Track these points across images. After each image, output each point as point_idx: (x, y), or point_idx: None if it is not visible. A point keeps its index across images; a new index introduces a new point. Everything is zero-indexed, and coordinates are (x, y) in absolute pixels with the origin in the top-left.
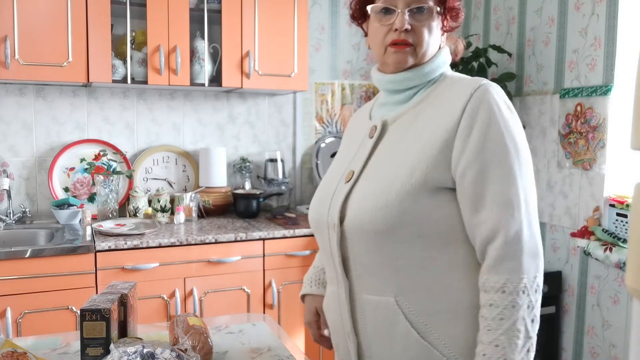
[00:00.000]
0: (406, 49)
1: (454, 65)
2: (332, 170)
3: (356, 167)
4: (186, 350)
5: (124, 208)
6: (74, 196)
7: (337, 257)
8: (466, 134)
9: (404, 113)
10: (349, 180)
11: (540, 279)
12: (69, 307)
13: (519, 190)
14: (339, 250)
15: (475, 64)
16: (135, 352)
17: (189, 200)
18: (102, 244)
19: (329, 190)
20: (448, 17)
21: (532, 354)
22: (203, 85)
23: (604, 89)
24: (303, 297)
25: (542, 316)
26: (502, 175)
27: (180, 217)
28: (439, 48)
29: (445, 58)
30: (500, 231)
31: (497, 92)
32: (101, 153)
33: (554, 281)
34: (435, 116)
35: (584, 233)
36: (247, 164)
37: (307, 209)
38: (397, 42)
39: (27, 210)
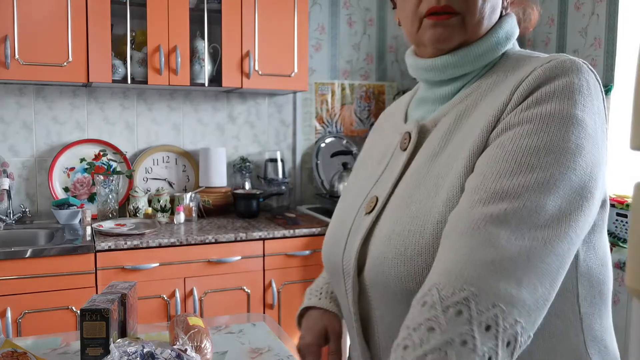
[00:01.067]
0: (450, 20)
1: None
2: (351, 193)
3: (381, 192)
4: (186, 350)
5: (124, 208)
6: (74, 196)
7: (355, 319)
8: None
9: (446, 113)
10: (371, 210)
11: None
12: (69, 307)
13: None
14: (356, 309)
15: None
16: (135, 352)
17: (189, 200)
18: (102, 244)
19: (346, 223)
20: None
21: None
22: (203, 85)
23: (604, 89)
24: (302, 315)
25: None
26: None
27: (180, 217)
28: (500, 16)
29: (510, 30)
30: None
31: (585, 73)
32: (101, 153)
33: None
34: (484, 115)
35: None
36: (247, 164)
37: (308, 209)
38: (436, 11)
39: (27, 210)
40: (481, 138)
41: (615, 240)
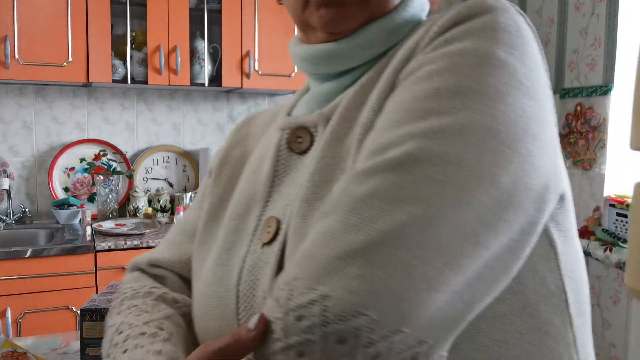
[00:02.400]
0: None
1: None
2: (217, 224)
3: (282, 211)
4: None
5: (124, 208)
6: (74, 196)
7: None
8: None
9: (345, 96)
10: (272, 238)
11: None
12: (69, 307)
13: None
14: None
15: None
16: None
17: (189, 200)
18: (102, 244)
19: (227, 269)
20: None
21: None
22: (203, 85)
23: (604, 89)
24: None
25: None
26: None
27: (180, 217)
28: None
29: (421, 4)
30: None
31: (513, 14)
32: (101, 153)
33: None
34: (390, 71)
35: (584, 233)
36: None
37: None
38: None
39: (27, 210)
40: (383, 96)
41: (615, 240)
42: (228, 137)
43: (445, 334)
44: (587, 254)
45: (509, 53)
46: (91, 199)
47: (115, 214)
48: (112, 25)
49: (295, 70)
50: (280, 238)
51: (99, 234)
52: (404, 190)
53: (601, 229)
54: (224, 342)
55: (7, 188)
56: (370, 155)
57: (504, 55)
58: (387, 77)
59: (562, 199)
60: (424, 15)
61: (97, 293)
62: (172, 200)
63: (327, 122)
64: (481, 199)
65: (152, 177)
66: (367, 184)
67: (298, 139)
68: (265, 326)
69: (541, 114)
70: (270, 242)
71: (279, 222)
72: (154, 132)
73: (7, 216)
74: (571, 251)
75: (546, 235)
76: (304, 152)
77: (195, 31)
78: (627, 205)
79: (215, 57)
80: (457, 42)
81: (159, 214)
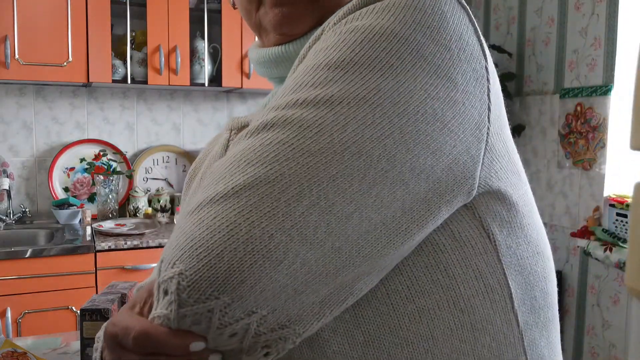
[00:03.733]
0: None
1: None
2: None
3: None
4: None
5: (124, 208)
6: (74, 196)
7: None
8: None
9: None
10: None
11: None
12: (69, 307)
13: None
14: None
15: None
16: None
17: None
18: (102, 244)
19: None
20: None
21: None
22: (203, 85)
23: (604, 89)
24: None
25: None
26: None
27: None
28: None
29: None
30: None
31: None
32: (101, 153)
33: None
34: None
35: (584, 233)
36: None
37: None
38: None
39: (27, 210)
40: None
41: (615, 240)
42: (203, 148)
43: (284, 304)
44: (587, 254)
45: (415, 30)
46: (91, 199)
47: (115, 214)
48: (112, 25)
49: None
50: None
51: (99, 234)
52: (251, 153)
53: (601, 229)
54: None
55: (7, 188)
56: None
57: (407, 32)
58: (299, 59)
59: (506, 198)
60: None
61: (97, 293)
62: (172, 200)
63: None
64: (342, 169)
65: (152, 177)
66: (225, 155)
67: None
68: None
69: (453, 96)
70: None
71: None
72: (154, 132)
73: (7, 216)
74: (520, 245)
75: (482, 228)
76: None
77: (195, 31)
78: (627, 205)
79: (215, 57)
80: (355, 21)
81: (159, 214)
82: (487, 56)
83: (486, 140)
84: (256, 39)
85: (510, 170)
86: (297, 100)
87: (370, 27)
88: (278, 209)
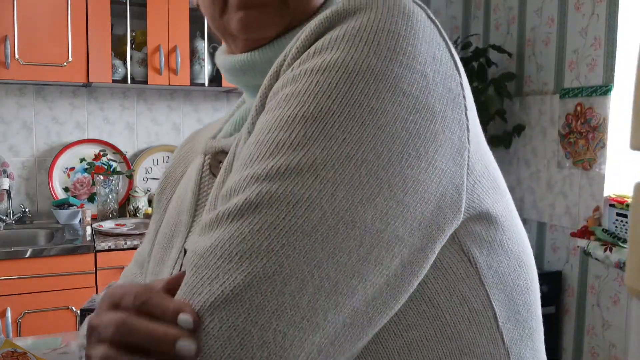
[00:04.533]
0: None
1: None
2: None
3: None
4: None
5: (124, 208)
6: (74, 196)
7: None
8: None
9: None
10: None
11: None
12: (69, 307)
13: None
14: None
15: (475, 64)
16: None
17: None
18: (102, 244)
19: None
20: None
21: None
22: (203, 85)
23: (604, 89)
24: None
25: (542, 316)
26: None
27: None
28: None
29: None
30: None
31: (400, 7)
32: (101, 153)
33: (554, 281)
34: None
35: (584, 233)
36: None
37: None
38: None
39: (27, 210)
40: (253, 121)
41: (615, 240)
42: (172, 155)
43: None
44: (587, 254)
45: (390, 60)
46: (91, 199)
47: (115, 214)
48: (112, 25)
49: None
50: None
51: (99, 234)
52: (242, 244)
53: (601, 229)
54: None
55: (7, 188)
56: (220, 202)
57: (383, 64)
58: (259, 96)
59: (487, 217)
60: None
61: (97, 293)
62: None
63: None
64: (339, 243)
65: (152, 177)
66: (208, 238)
67: (219, 164)
68: None
69: (433, 126)
70: None
71: None
72: (154, 132)
73: (7, 216)
74: (501, 262)
75: (463, 252)
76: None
77: (195, 31)
78: (627, 205)
79: None
80: (324, 53)
81: None
82: (460, 69)
83: (467, 164)
84: (223, 43)
85: (490, 187)
86: (279, 167)
87: (345, 64)
88: (284, 304)
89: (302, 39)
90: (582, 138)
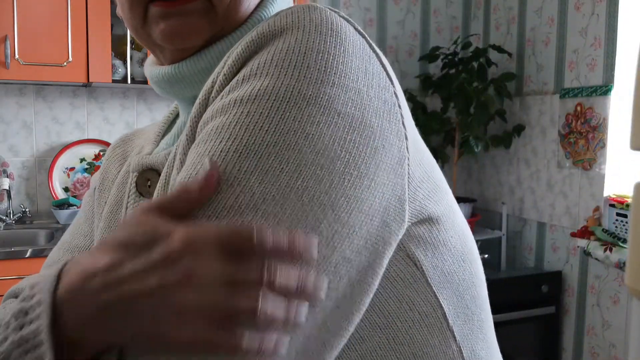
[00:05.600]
0: (189, 5)
1: (452, 65)
2: None
3: None
4: None
5: None
6: (74, 196)
7: None
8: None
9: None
10: None
11: None
12: None
13: None
14: None
15: (475, 64)
16: None
17: None
18: None
19: None
20: None
21: None
22: None
23: (604, 89)
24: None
25: (542, 316)
26: None
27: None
28: None
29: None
30: None
31: (325, 24)
32: (101, 153)
33: (553, 281)
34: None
35: (584, 233)
36: None
37: None
38: None
39: (27, 210)
40: (184, 150)
41: (615, 240)
42: (105, 157)
43: None
44: (587, 254)
45: (322, 81)
46: None
47: None
48: (112, 25)
49: None
50: None
51: None
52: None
53: (601, 229)
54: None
55: (7, 188)
56: None
57: (315, 87)
58: (189, 124)
59: (429, 220)
60: None
61: None
62: None
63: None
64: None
65: None
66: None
67: (147, 182)
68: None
69: (372, 142)
70: None
71: None
72: None
73: (7, 216)
74: (446, 261)
75: (408, 258)
76: (146, 193)
77: None
78: (627, 205)
79: None
80: (253, 80)
81: None
82: (392, 78)
83: (408, 173)
84: (150, 54)
85: (431, 189)
86: (216, 208)
87: (275, 92)
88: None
89: (229, 64)
90: (582, 138)
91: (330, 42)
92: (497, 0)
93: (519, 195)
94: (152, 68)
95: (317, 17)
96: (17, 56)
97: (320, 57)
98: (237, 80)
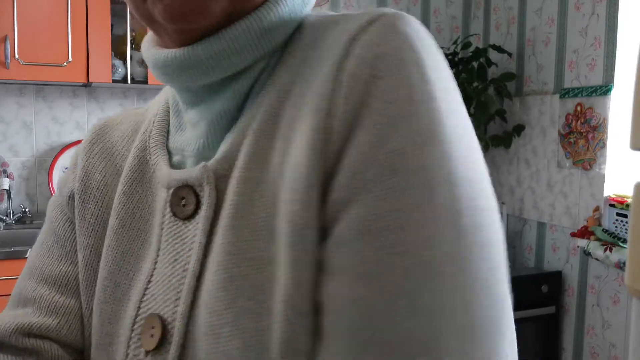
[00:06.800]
0: None
1: (452, 65)
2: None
3: (168, 308)
4: None
5: None
6: None
7: None
8: (347, 132)
9: (241, 143)
10: (157, 346)
11: None
12: None
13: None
14: None
15: (475, 64)
16: None
17: None
18: None
19: None
20: None
21: None
22: None
23: (604, 89)
24: None
25: (542, 316)
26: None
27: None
28: None
29: None
30: None
31: (414, 30)
32: None
33: (554, 281)
34: (301, 121)
35: (584, 233)
36: None
37: None
38: None
39: (27, 210)
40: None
41: (615, 240)
42: (81, 156)
43: None
44: (587, 254)
45: (436, 69)
46: None
47: None
48: (112, 25)
49: None
50: (172, 348)
51: None
52: None
53: (601, 229)
54: None
55: (7, 188)
56: None
57: (436, 80)
58: (307, 132)
59: None
60: (307, 10)
61: None
62: None
63: (215, 181)
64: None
65: None
66: None
67: (182, 201)
68: None
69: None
70: (157, 349)
71: (164, 323)
72: None
73: (7, 216)
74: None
75: None
76: (188, 217)
77: None
78: (627, 205)
79: None
80: (386, 96)
81: None
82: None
83: None
84: (148, 35)
85: None
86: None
87: (415, 96)
88: None
89: (347, 86)
90: (582, 138)
91: (434, 71)
92: (497, 0)
93: (519, 195)
94: (154, 50)
95: (413, 32)
96: (17, 56)
97: (426, 47)
98: (366, 143)
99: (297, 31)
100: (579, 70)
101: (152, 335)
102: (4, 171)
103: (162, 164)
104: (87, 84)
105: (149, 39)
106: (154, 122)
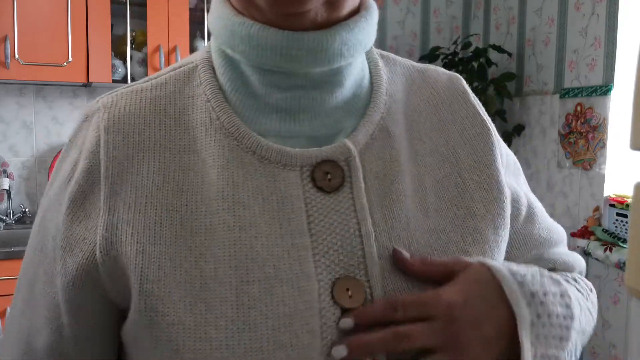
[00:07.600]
0: None
1: (452, 65)
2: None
3: (359, 268)
4: None
5: None
6: None
7: None
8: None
9: (373, 124)
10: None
11: None
12: None
13: None
14: None
15: (475, 64)
16: None
17: None
18: None
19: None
20: None
21: None
22: None
23: (604, 89)
24: None
25: None
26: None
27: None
28: None
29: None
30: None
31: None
32: None
33: None
34: (453, 131)
35: (584, 233)
36: None
37: None
38: None
39: (27, 210)
40: (484, 160)
41: (615, 240)
42: (104, 145)
43: None
44: (587, 254)
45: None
46: None
47: None
48: (112, 25)
49: None
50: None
51: None
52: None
53: (601, 229)
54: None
55: (7, 188)
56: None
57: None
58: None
59: None
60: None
61: None
62: None
63: (358, 154)
64: None
65: None
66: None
67: (327, 175)
68: None
69: None
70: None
71: (366, 284)
72: None
73: (7, 216)
74: None
75: None
76: (335, 189)
77: (195, 31)
78: (627, 205)
79: None
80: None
81: None
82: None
83: None
84: (217, 2)
85: None
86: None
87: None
88: None
89: (473, 107)
90: (582, 138)
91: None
92: (497, 0)
93: None
94: (274, 31)
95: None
96: (17, 56)
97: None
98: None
99: (371, 54)
100: (579, 70)
101: (350, 296)
102: (4, 171)
103: (270, 147)
104: (87, 84)
105: (229, 11)
106: (214, 108)
